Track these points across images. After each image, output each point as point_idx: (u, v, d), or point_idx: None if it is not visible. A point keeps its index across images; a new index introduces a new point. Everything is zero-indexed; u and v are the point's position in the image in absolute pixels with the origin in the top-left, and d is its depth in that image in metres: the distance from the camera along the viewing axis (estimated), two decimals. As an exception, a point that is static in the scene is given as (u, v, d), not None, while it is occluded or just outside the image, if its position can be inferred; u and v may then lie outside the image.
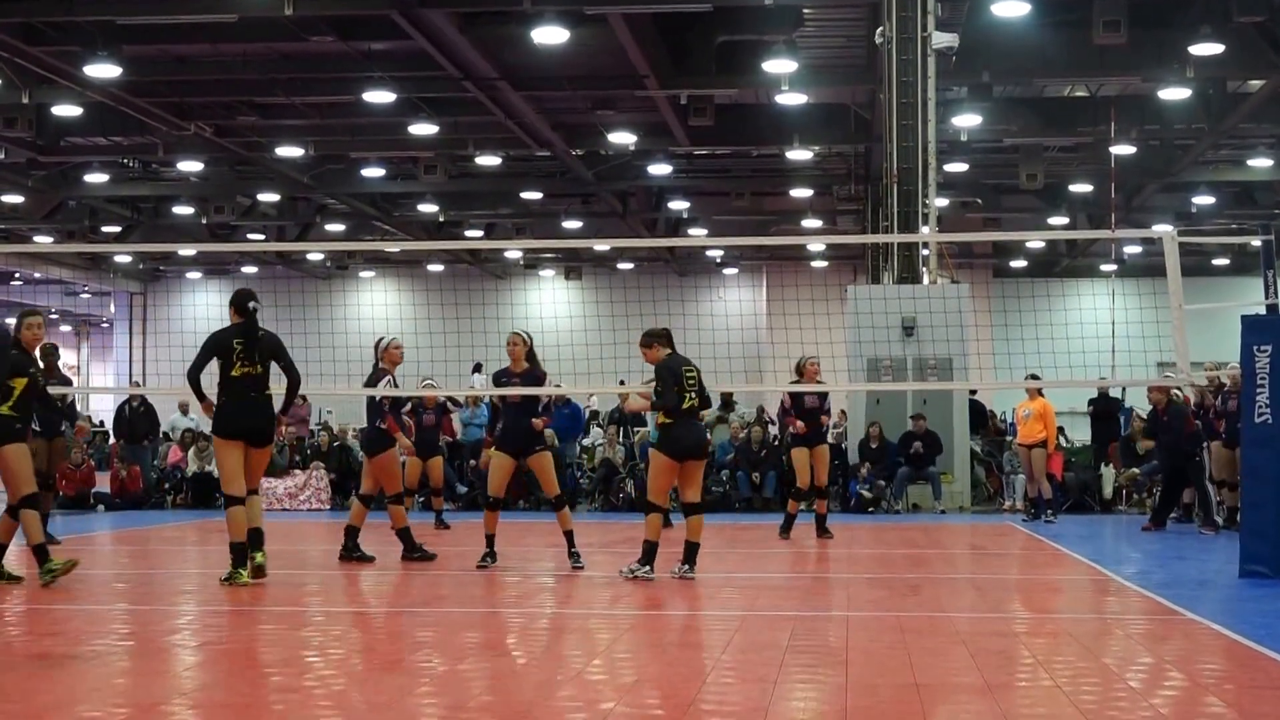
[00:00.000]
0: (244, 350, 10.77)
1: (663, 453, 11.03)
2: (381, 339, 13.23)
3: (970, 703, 6.35)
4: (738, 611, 9.54)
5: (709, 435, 22.36)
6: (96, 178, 30.58)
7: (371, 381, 12.94)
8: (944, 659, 7.57)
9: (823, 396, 15.57)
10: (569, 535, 12.17)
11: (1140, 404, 24.86)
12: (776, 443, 21.70)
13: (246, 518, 10.67)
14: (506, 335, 12.25)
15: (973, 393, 22.55)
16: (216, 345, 10.80)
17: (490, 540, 12.21)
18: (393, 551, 13.11)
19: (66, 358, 44.48)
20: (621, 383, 18.34)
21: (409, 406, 14.52)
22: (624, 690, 6.63)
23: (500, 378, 12.20)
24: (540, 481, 12.29)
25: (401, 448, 12.87)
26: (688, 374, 11.04)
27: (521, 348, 12.10)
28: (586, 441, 23.54)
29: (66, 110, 24.66)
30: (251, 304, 10.91)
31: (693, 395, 10.96)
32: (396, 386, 13.01)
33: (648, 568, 11.11)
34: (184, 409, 25.43)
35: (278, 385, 10.99)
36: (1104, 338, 26.55)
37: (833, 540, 15.33)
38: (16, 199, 31.84)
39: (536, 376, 12.10)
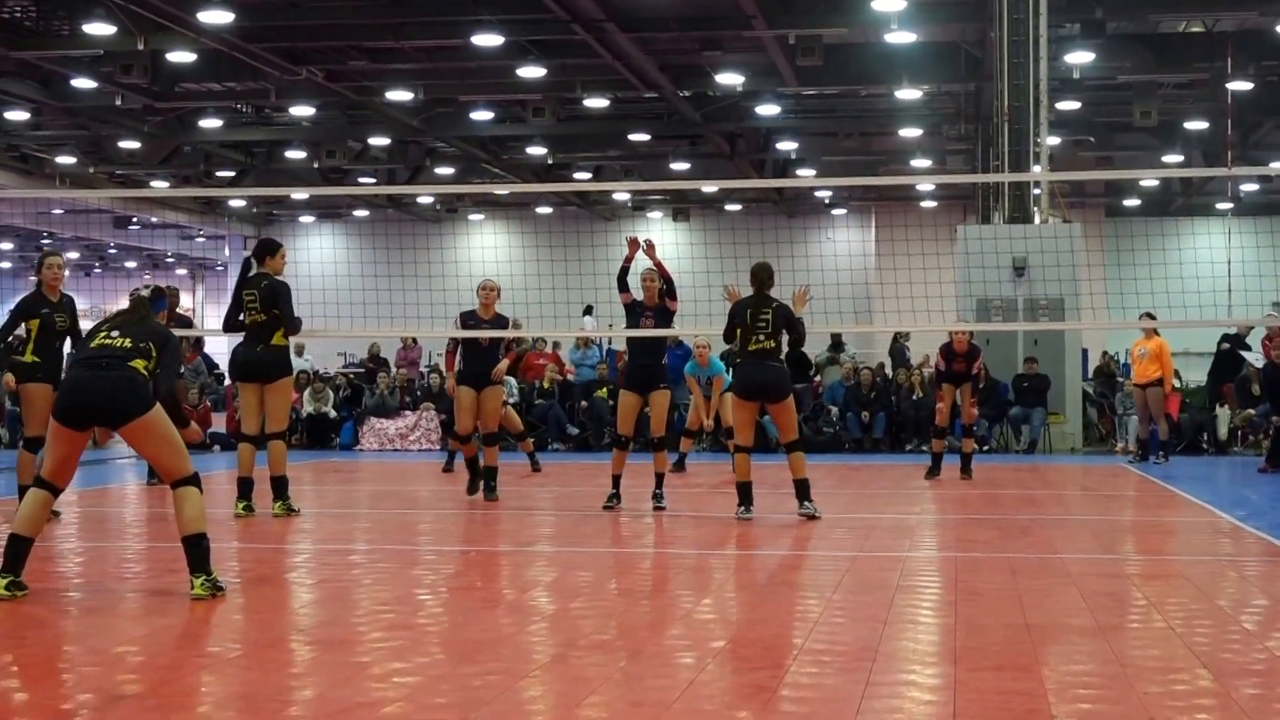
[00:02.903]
0: (251, 299, 11.36)
1: (732, 391, 11.45)
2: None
3: (1081, 644, 6.29)
4: (848, 552, 9.51)
5: (817, 376, 22.44)
6: (211, 123, 30.97)
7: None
8: (1055, 600, 7.49)
9: (970, 357, 15.39)
10: (659, 477, 12.22)
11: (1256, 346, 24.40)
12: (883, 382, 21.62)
13: (252, 458, 11.35)
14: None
15: (1226, 341, 22.09)
16: (235, 295, 11.52)
17: (616, 481, 12.25)
18: (510, 491, 13.23)
19: (183, 300, 45.23)
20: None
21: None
22: (734, 629, 6.64)
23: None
24: (652, 419, 12.32)
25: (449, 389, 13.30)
26: (760, 315, 11.09)
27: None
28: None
29: (181, 56, 24.93)
30: (246, 255, 11.63)
31: (762, 337, 11.04)
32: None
33: (743, 508, 11.22)
34: (299, 350, 25.80)
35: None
36: (1219, 277, 26.09)
37: (970, 481, 15.18)
38: (133, 144, 32.34)
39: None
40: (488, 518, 11.71)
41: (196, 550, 7.32)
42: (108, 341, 7.46)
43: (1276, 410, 17.78)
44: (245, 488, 11.48)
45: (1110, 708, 5.10)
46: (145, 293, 8.31)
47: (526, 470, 16.81)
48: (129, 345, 7.43)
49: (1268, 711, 5.09)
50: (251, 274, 11.50)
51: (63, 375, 10.40)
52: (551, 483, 15.35)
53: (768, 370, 11.09)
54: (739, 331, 11.19)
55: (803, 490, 11.24)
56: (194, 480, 7.39)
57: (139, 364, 7.37)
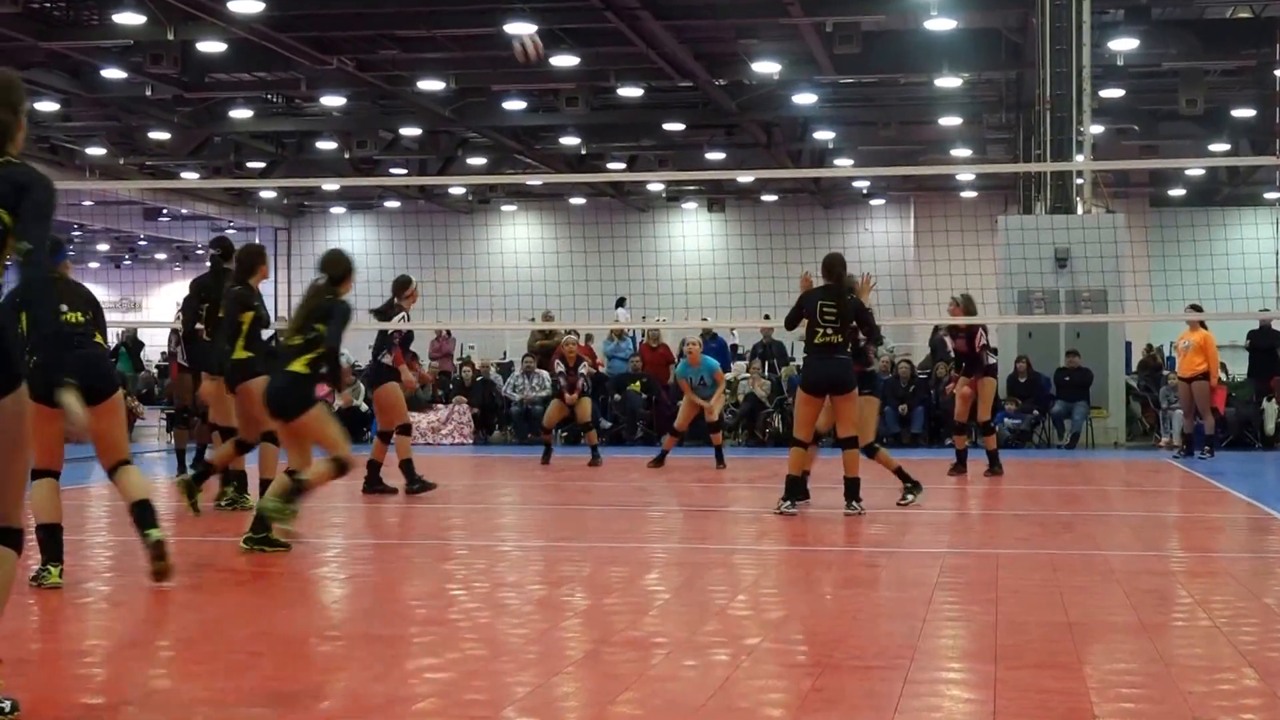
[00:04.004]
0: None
1: (799, 386, 11.31)
2: (407, 279, 13.45)
3: (1124, 642, 6.23)
4: (886, 548, 9.43)
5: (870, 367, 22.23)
6: (241, 113, 30.97)
7: (385, 315, 12.99)
8: (1097, 597, 7.42)
9: (969, 334, 15.17)
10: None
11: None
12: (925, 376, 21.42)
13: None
14: (651, 269, 12.58)
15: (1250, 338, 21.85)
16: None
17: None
18: (527, 488, 13.13)
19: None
20: (766, 316, 18.20)
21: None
22: (770, 626, 6.57)
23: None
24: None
25: (405, 382, 13.04)
26: (825, 308, 10.94)
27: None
28: (730, 376, 23.37)
29: (211, 46, 24.91)
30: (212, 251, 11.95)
31: (830, 330, 10.89)
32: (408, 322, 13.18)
33: (788, 502, 11.06)
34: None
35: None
36: (1267, 268, 25.76)
37: (1004, 477, 14.99)
38: (163, 135, 32.39)
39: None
40: (522, 512, 11.61)
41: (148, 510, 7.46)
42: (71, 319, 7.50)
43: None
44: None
45: (1153, 707, 5.05)
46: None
47: (585, 462, 16.74)
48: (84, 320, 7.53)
49: None
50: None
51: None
52: (584, 477, 15.26)
53: (835, 364, 10.96)
54: (806, 323, 11.04)
55: (852, 489, 11.09)
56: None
57: (100, 339, 7.67)
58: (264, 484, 10.67)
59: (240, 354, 10.69)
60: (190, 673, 5.58)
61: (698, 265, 31.33)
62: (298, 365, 8.72)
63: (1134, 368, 24.35)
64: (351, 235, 42.54)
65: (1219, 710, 4.98)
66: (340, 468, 8.74)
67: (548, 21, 23.18)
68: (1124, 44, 23.92)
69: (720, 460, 16.55)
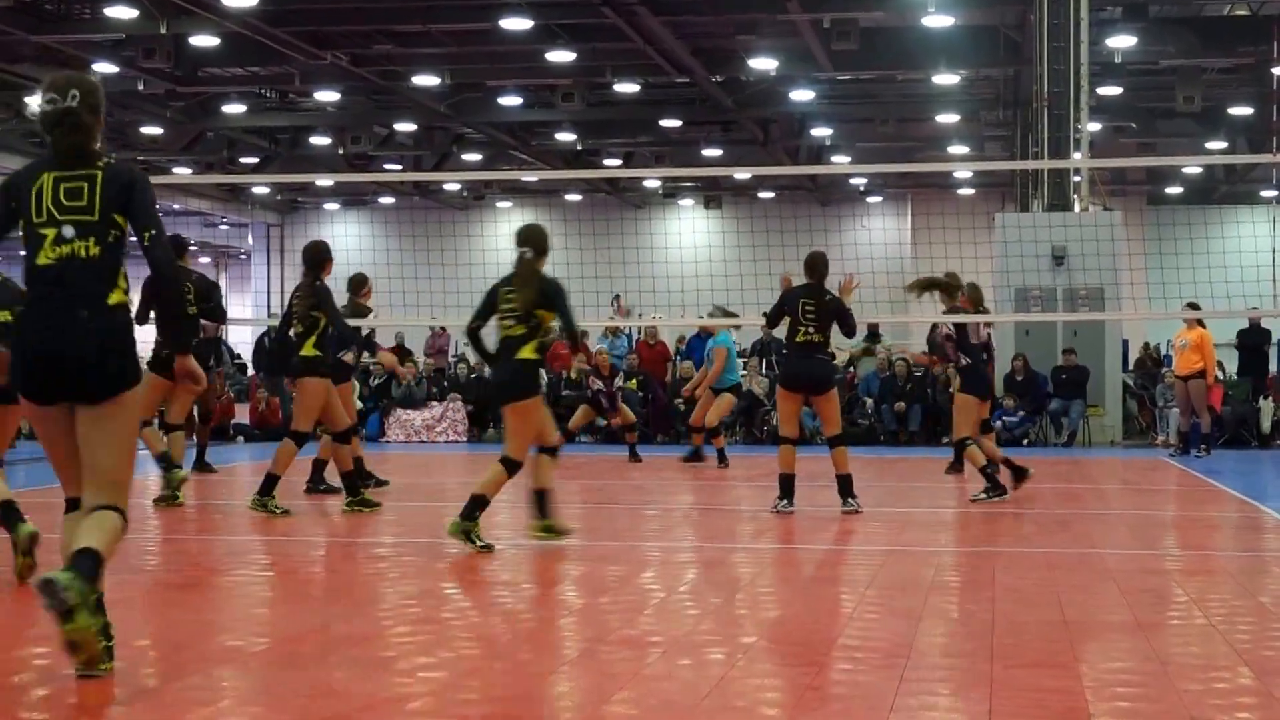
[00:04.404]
0: None
1: (778, 383, 11.52)
2: (363, 277, 13.54)
3: (1121, 641, 6.22)
4: (882, 546, 9.40)
5: (851, 368, 22.19)
6: (234, 108, 30.86)
7: (354, 316, 12.80)
8: (1093, 596, 7.42)
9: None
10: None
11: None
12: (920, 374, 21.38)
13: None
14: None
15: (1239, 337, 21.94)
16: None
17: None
18: (521, 485, 13.08)
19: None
20: (765, 314, 18.15)
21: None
22: (766, 625, 6.55)
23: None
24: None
25: (395, 368, 13.10)
26: (807, 307, 10.93)
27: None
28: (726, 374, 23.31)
29: (204, 40, 24.82)
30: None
31: (811, 329, 10.89)
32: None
33: (785, 501, 11.01)
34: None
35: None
36: (1264, 267, 25.70)
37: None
38: (156, 130, 32.26)
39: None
40: (515, 511, 11.57)
41: None
42: None
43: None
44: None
45: (1150, 706, 5.04)
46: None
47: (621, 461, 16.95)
48: None
49: None
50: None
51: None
52: (581, 475, 15.22)
53: (814, 364, 11.00)
54: (788, 321, 11.02)
55: (846, 486, 11.04)
56: None
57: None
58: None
59: (309, 351, 10.74)
60: (180, 673, 5.54)
61: (694, 262, 31.21)
62: (526, 352, 8.82)
63: (1131, 366, 24.34)
64: (345, 231, 42.41)
65: (1214, 709, 4.97)
66: (553, 454, 9.12)
67: (544, 17, 23.13)
68: (1122, 41, 23.91)
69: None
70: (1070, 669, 5.59)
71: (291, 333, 10.84)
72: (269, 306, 42.89)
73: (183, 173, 35.91)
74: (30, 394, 5.23)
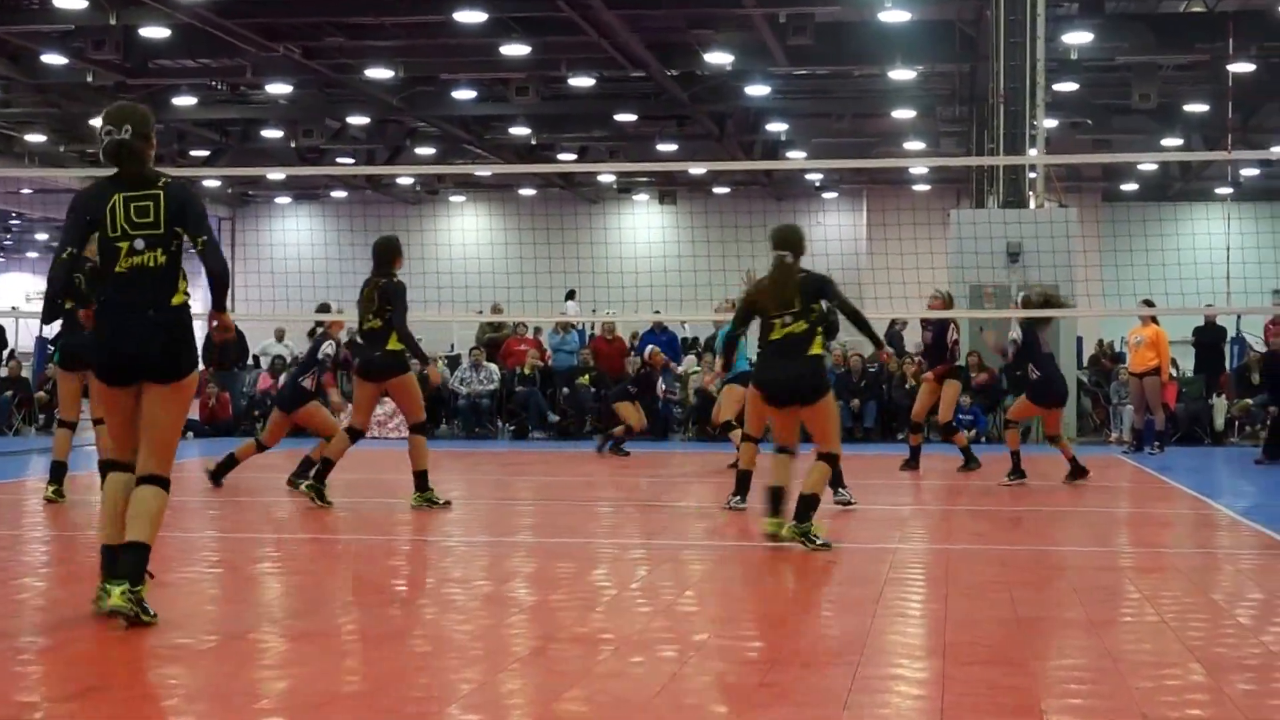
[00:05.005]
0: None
1: (752, 383, 9.69)
2: (327, 307, 13.60)
3: (1073, 638, 6.24)
4: (836, 543, 9.33)
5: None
6: (185, 101, 30.56)
7: (318, 342, 12.79)
8: (1047, 594, 7.45)
9: (939, 328, 15.05)
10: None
11: (1254, 330, 24.24)
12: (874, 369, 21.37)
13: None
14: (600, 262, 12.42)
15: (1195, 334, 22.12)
16: None
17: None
18: (485, 481, 13.01)
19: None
20: (717, 309, 18.12)
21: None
22: (718, 622, 6.51)
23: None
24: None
25: (333, 404, 12.91)
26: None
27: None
28: (681, 369, 23.30)
29: (154, 32, 24.59)
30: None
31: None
32: (339, 347, 12.93)
33: (738, 497, 10.93)
34: (279, 335, 25.53)
35: None
36: (1218, 264, 25.88)
37: (969, 473, 14.94)
38: (105, 123, 31.98)
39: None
40: (468, 507, 11.50)
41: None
42: None
43: (1275, 400, 17.59)
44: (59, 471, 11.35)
45: (1101, 703, 5.03)
46: None
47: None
48: None
49: (1261, 707, 5.00)
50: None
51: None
52: (533, 471, 15.15)
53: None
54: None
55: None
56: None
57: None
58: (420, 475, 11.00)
59: (394, 345, 10.82)
60: (128, 670, 5.49)
61: (649, 258, 31.21)
62: (815, 348, 8.84)
63: (1085, 363, 24.43)
64: (297, 225, 42.14)
65: (1166, 705, 4.97)
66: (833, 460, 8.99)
67: (498, 10, 23.02)
68: (1078, 37, 23.99)
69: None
70: (1023, 666, 5.58)
71: (365, 327, 10.92)
72: (234, 302, 42.52)
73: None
74: (105, 378, 6.32)
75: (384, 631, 6.26)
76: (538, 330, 24.41)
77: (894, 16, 23.69)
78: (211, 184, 41.45)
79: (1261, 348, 20.84)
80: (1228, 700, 5.03)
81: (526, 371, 22.51)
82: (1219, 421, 20.99)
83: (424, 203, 42.86)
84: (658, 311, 25.30)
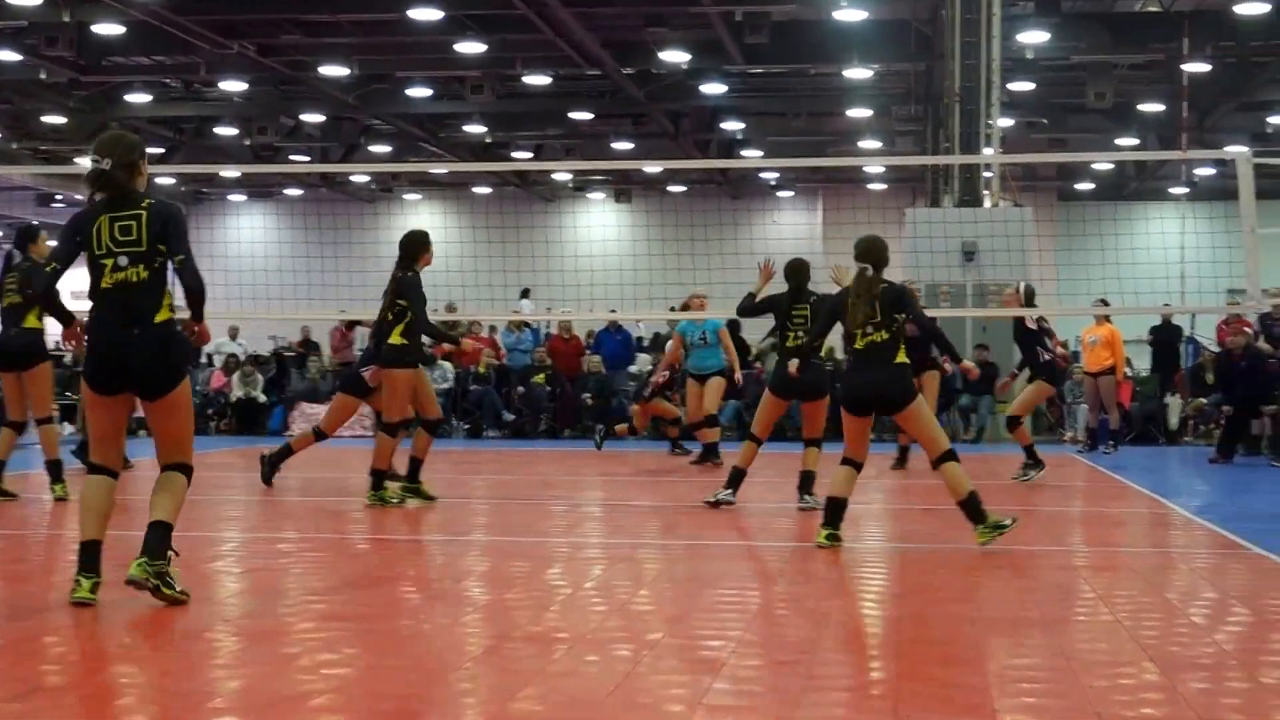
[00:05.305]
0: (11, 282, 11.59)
1: (768, 387, 11.16)
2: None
3: (1027, 637, 6.24)
4: (791, 543, 9.39)
5: (758, 363, 22.16)
6: (139, 98, 30.28)
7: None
8: (1001, 593, 7.47)
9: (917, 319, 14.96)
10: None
11: (1208, 333, 24.36)
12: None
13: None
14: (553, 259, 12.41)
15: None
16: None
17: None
18: (439, 480, 12.96)
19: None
20: (672, 309, 18.09)
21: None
22: (672, 621, 6.49)
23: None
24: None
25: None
26: (795, 311, 10.92)
27: None
28: (634, 369, 23.25)
29: (108, 29, 24.35)
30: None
31: (800, 334, 10.77)
32: None
33: (729, 491, 11.00)
34: (233, 334, 25.37)
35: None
36: (1173, 263, 25.99)
37: (917, 472, 14.94)
38: (58, 120, 31.60)
39: None
40: (422, 506, 11.43)
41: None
42: None
43: (1228, 400, 17.68)
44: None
45: (1055, 702, 5.04)
46: None
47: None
48: None
49: (1214, 706, 5.03)
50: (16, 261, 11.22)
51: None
52: (488, 470, 15.10)
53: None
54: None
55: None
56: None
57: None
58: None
59: (396, 339, 10.88)
60: (79, 669, 5.46)
61: (604, 256, 31.15)
62: (900, 356, 8.83)
63: (1039, 362, 24.46)
64: (251, 224, 41.85)
65: (1120, 704, 4.98)
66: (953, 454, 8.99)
67: (453, 7, 22.92)
68: (1034, 37, 24.03)
69: (711, 455, 15.60)
70: (976, 665, 5.60)
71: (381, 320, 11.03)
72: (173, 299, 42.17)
73: (86, 163, 35.10)
74: (95, 387, 6.70)
75: (338, 631, 6.23)
76: (493, 329, 24.31)
77: (850, 15, 23.71)
78: (165, 181, 41.09)
79: (1214, 349, 20.95)
80: (1181, 699, 5.04)
81: (481, 370, 22.41)
82: (1173, 421, 21.09)
83: (379, 201, 42.64)
84: (613, 310, 25.25)
